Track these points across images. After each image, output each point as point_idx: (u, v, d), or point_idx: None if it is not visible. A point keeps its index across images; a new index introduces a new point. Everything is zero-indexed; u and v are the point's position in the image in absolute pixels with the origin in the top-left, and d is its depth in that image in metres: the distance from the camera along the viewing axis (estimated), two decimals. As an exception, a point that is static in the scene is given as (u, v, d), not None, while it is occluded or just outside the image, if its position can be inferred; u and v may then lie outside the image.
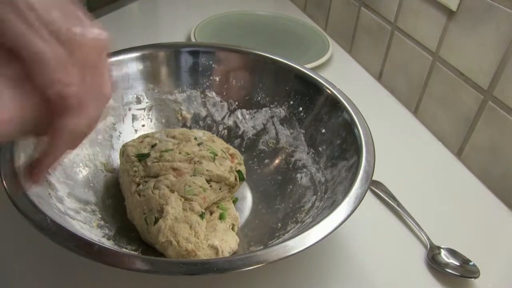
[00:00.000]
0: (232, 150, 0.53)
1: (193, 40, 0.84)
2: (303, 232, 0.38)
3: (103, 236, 0.44)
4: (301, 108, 0.57)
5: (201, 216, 0.46)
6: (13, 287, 0.45)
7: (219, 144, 0.53)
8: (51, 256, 0.46)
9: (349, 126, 0.50)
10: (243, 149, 0.59)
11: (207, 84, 0.61)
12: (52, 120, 0.29)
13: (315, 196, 0.50)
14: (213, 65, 0.60)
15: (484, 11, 0.57)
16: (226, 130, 0.61)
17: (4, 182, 0.40)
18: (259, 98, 0.60)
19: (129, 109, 0.58)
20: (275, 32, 0.93)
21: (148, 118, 0.60)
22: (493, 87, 0.57)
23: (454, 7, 0.61)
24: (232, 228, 0.48)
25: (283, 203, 0.52)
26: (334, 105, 0.53)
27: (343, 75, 0.80)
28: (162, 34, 0.92)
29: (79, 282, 0.45)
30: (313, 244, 0.37)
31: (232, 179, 0.50)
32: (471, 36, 0.60)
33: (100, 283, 0.45)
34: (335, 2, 0.91)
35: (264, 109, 0.59)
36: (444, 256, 0.50)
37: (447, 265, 0.49)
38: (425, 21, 0.68)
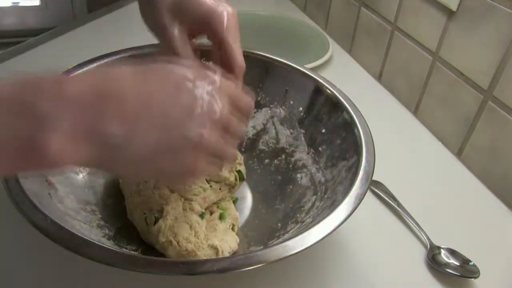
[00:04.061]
0: (232, 150, 0.53)
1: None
2: (303, 232, 0.38)
3: (103, 236, 0.44)
4: (301, 108, 0.57)
5: (201, 216, 0.46)
6: (13, 287, 0.45)
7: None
8: (51, 256, 0.46)
9: (349, 126, 0.50)
10: (243, 149, 0.59)
11: (207, 84, 0.61)
12: None
13: (315, 196, 0.50)
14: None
15: (484, 11, 0.57)
16: (226, 130, 0.61)
17: (4, 182, 0.40)
18: (259, 98, 0.59)
19: (129, 109, 0.58)
20: (275, 32, 0.93)
21: (148, 118, 0.60)
22: (493, 87, 0.57)
23: (454, 7, 0.61)
24: (232, 228, 0.48)
25: (283, 203, 0.52)
26: (334, 105, 0.53)
27: (343, 75, 0.80)
28: (162, 34, 0.92)
29: (79, 282, 0.45)
30: (313, 244, 0.37)
31: (232, 179, 0.50)
32: (471, 36, 0.60)
33: (100, 283, 0.45)
34: (335, 2, 0.91)
35: (264, 109, 0.59)
36: (444, 256, 0.50)
37: (447, 265, 0.49)
38: (425, 21, 0.68)
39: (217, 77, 0.34)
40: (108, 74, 0.30)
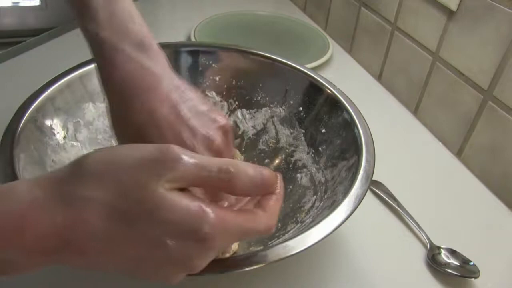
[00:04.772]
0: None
1: (193, 40, 0.84)
2: (303, 232, 0.38)
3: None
4: (301, 108, 0.57)
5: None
6: (13, 287, 0.45)
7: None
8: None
9: (349, 126, 0.50)
10: (243, 149, 0.59)
11: (207, 83, 0.61)
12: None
13: (315, 196, 0.50)
14: (213, 65, 0.60)
15: (484, 11, 0.57)
16: (226, 130, 0.61)
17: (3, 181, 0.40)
18: (259, 97, 0.60)
19: (129, 109, 0.58)
20: (275, 32, 0.93)
21: (148, 118, 0.60)
22: (493, 87, 0.57)
23: (454, 7, 0.61)
24: (232, 228, 0.48)
25: (283, 203, 0.52)
26: (334, 105, 0.53)
27: (343, 75, 0.80)
28: (162, 34, 0.92)
29: (79, 283, 0.45)
30: (314, 244, 0.37)
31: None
32: (471, 36, 0.60)
33: (99, 284, 0.45)
34: (335, 2, 0.91)
35: (264, 108, 0.59)
36: (444, 256, 0.50)
37: (447, 265, 0.49)
38: (425, 21, 0.68)
39: (206, 229, 0.27)
40: (77, 221, 0.26)
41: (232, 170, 0.28)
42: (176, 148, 0.27)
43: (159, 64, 0.38)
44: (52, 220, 0.26)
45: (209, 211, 0.27)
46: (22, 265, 0.27)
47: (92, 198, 0.26)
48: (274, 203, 0.31)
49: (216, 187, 0.29)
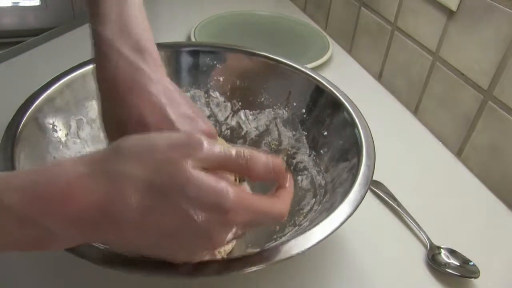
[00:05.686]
0: (233, 150, 0.53)
1: (193, 40, 0.84)
2: (301, 234, 0.38)
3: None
4: (304, 110, 0.57)
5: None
6: (14, 287, 0.45)
7: (221, 144, 0.53)
8: (51, 257, 0.46)
9: (351, 129, 0.50)
10: (244, 150, 0.59)
11: (211, 84, 0.61)
12: None
13: (314, 199, 0.50)
14: (217, 65, 0.60)
15: (484, 11, 0.57)
16: (229, 131, 0.61)
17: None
18: (263, 99, 0.59)
19: (130, 109, 0.58)
20: (275, 32, 0.93)
21: (149, 118, 0.60)
22: (493, 87, 0.57)
23: (454, 7, 0.61)
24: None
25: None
26: (337, 107, 0.53)
27: (343, 75, 0.80)
28: (162, 34, 0.92)
29: (79, 283, 0.45)
30: (310, 247, 0.37)
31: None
32: (471, 36, 0.60)
33: (100, 284, 0.45)
34: (335, 2, 0.91)
35: (267, 110, 0.59)
36: (444, 256, 0.50)
37: (447, 265, 0.49)
38: (425, 21, 0.68)
39: (229, 205, 0.30)
40: (117, 194, 0.29)
41: (248, 155, 0.32)
42: (201, 135, 0.31)
43: (152, 67, 0.39)
44: (94, 193, 0.28)
45: (231, 189, 0.30)
46: (59, 237, 0.29)
47: (130, 174, 0.29)
48: (286, 194, 0.35)
49: (234, 169, 0.32)
